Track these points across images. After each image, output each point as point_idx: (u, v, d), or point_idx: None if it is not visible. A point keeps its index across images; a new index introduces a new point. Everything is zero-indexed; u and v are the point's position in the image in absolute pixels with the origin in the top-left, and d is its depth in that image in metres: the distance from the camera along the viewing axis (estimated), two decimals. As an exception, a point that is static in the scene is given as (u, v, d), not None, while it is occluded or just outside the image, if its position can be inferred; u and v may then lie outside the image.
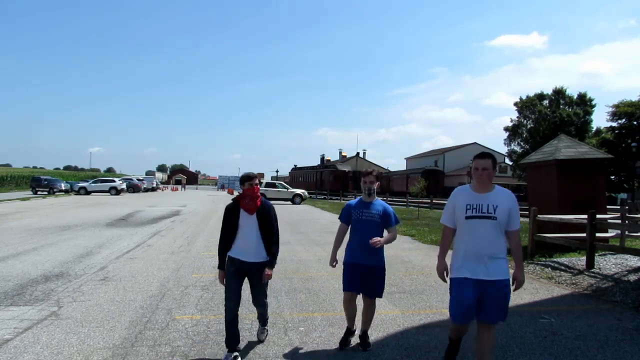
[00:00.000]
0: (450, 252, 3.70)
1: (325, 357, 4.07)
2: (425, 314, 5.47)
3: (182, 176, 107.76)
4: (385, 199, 37.43)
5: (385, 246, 4.16)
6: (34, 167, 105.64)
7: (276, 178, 72.18)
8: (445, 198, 36.32)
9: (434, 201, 30.69)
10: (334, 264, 4.37)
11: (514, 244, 3.48)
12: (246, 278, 4.14)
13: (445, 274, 3.58)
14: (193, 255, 9.32)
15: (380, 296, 4.25)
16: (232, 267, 4.02)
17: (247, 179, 4.01)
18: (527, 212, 10.00)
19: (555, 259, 9.07)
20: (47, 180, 43.66)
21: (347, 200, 32.28)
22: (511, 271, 3.47)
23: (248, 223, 4.01)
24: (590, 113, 46.20)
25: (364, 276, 4.12)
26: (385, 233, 4.22)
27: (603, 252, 9.13)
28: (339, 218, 4.43)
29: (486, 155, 3.46)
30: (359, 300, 4.28)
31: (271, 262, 4.09)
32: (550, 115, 45.24)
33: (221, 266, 4.09)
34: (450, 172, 57.61)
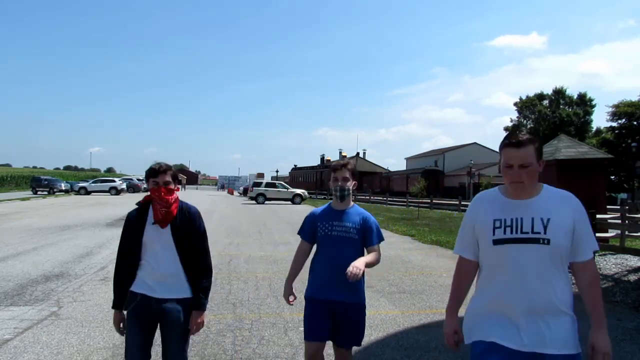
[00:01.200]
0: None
1: (325, 357, 4.06)
2: (425, 314, 5.47)
3: (182, 176, 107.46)
4: (385, 199, 37.32)
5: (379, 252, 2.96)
6: (34, 167, 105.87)
7: (276, 178, 72.17)
8: (445, 198, 36.59)
9: (434, 201, 30.86)
10: (292, 299, 3.02)
11: (586, 283, 1.93)
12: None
13: (457, 339, 2.13)
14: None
15: (359, 344, 2.98)
16: (134, 307, 2.67)
17: (151, 174, 2.59)
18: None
19: (555, 259, 9.06)
20: (47, 180, 43.75)
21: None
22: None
23: (158, 240, 2.61)
24: (590, 113, 46.40)
25: (335, 317, 2.85)
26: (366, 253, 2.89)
27: (603, 252, 9.13)
28: (299, 233, 3.06)
29: (525, 142, 1.87)
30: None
31: (201, 303, 2.69)
32: (550, 115, 45.38)
33: (117, 305, 2.77)
34: (450, 172, 57.63)
